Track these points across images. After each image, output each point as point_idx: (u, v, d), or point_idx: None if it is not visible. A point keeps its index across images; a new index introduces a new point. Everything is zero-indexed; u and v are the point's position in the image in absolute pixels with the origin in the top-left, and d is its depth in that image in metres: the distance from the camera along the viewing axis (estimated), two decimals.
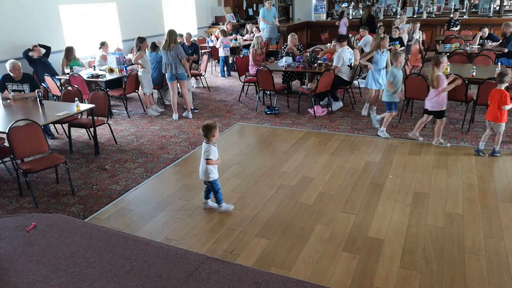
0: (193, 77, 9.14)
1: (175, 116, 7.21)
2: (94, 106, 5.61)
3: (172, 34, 6.71)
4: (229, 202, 4.28)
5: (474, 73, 6.30)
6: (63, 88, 7.11)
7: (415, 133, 5.76)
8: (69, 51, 8.10)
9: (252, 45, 8.61)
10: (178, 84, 7.11)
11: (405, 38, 9.60)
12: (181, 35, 10.09)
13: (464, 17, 12.71)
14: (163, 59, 6.87)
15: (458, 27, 11.46)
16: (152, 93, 7.68)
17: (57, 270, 2.35)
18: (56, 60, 8.36)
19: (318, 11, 14.72)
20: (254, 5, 15.86)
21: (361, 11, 14.63)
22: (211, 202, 4.19)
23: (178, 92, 7.80)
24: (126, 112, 7.63)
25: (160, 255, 2.45)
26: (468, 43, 9.48)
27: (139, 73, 7.32)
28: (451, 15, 12.15)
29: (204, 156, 3.90)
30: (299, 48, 8.61)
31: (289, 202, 4.24)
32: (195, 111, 7.64)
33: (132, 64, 7.72)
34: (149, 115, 7.50)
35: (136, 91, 7.77)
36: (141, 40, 7.21)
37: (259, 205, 4.22)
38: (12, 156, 4.57)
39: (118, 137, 6.39)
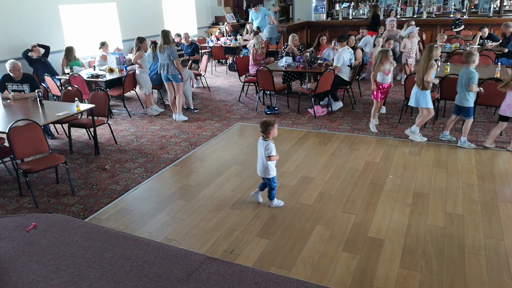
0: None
1: (174, 116, 7.21)
2: (94, 106, 5.62)
3: (164, 34, 6.65)
4: (230, 202, 4.29)
5: None
6: (63, 88, 7.11)
7: (491, 142, 5.40)
8: (69, 51, 8.10)
9: (252, 45, 8.61)
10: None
11: (415, 42, 8.82)
12: (179, 35, 10.13)
13: (464, 17, 12.71)
14: (159, 60, 6.87)
15: (462, 27, 11.40)
16: (152, 93, 7.70)
17: (57, 270, 2.35)
18: (56, 60, 8.36)
19: (318, 11, 14.71)
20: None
21: (361, 11, 14.65)
22: (261, 196, 4.25)
23: None
24: (127, 111, 7.64)
25: (160, 255, 2.45)
26: (468, 43, 9.47)
27: (137, 72, 7.33)
28: (452, 15, 12.13)
29: (265, 153, 3.94)
30: (300, 48, 8.61)
31: (289, 202, 4.24)
32: (195, 111, 7.65)
33: (132, 64, 7.72)
34: (149, 115, 7.50)
35: (134, 89, 7.77)
36: (140, 40, 7.22)
37: (259, 205, 4.22)
38: (12, 156, 4.57)
39: (118, 137, 6.39)
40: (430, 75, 5.38)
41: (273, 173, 4.03)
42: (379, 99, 6.19)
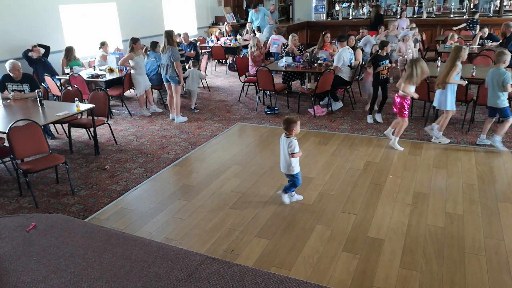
0: None
1: (172, 116, 7.21)
2: (94, 106, 5.62)
3: (168, 35, 6.60)
4: (230, 202, 4.29)
5: (474, 73, 6.29)
6: (63, 88, 7.11)
7: None
8: (69, 51, 8.10)
9: (249, 47, 8.54)
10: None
11: (411, 46, 8.76)
12: (179, 35, 10.15)
13: (464, 17, 12.71)
14: (161, 60, 6.88)
15: (463, 25, 11.25)
16: (151, 92, 7.71)
17: (57, 270, 2.35)
18: (56, 60, 8.36)
19: (318, 11, 14.71)
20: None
21: (361, 11, 14.65)
22: (297, 195, 4.29)
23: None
24: (127, 111, 7.66)
25: (160, 255, 2.45)
26: (468, 43, 9.47)
27: (132, 73, 7.33)
28: (465, 16, 11.99)
29: (288, 150, 3.96)
30: (300, 48, 8.61)
31: (289, 202, 4.24)
32: (195, 111, 7.65)
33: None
34: (142, 114, 7.54)
35: (133, 88, 7.80)
36: (134, 41, 7.15)
37: (259, 205, 4.22)
38: (12, 156, 4.57)
39: (118, 137, 6.39)
40: (452, 77, 5.25)
41: (296, 169, 4.06)
42: (407, 116, 5.44)
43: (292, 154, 3.94)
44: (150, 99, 7.71)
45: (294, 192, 4.26)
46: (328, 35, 8.30)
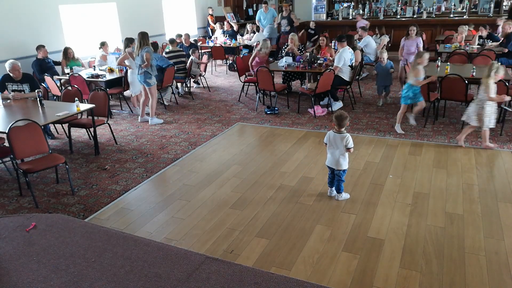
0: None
1: (141, 118, 7.12)
2: (94, 106, 5.62)
3: (142, 37, 6.44)
4: (230, 202, 4.29)
5: (474, 73, 6.29)
6: (63, 88, 7.12)
7: None
8: (65, 52, 8.10)
9: (259, 48, 8.23)
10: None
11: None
12: (180, 35, 10.14)
13: (464, 17, 12.69)
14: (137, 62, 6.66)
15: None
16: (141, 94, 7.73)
17: (57, 270, 2.35)
18: (56, 60, 8.36)
19: (318, 11, 14.70)
20: (254, 5, 15.85)
21: (361, 11, 14.61)
22: (344, 193, 4.31)
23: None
24: (129, 108, 7.65)
25: (160, 255, 2.45)
26: (468, 43, 9.47)
27: (128, 73, 7.32)
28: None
29: (348, 145, 4.04)
30: (300, 48, 8.61)
31: (289, 202, 4.24)
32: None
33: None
34: (137, 114, 7.53)
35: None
36: (130, 41, 7.11)
37: (259, 205, 4.22)
38: (12, 156, 4.57)
39: (118, 137, 6.39)
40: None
41: (347, 165, 4.15)
42: None
43: (349, 149, 4.04)
44: (135, 101, 7.66)
45: (334, 188, 4.30)
46: (323, 39, 8.27)
